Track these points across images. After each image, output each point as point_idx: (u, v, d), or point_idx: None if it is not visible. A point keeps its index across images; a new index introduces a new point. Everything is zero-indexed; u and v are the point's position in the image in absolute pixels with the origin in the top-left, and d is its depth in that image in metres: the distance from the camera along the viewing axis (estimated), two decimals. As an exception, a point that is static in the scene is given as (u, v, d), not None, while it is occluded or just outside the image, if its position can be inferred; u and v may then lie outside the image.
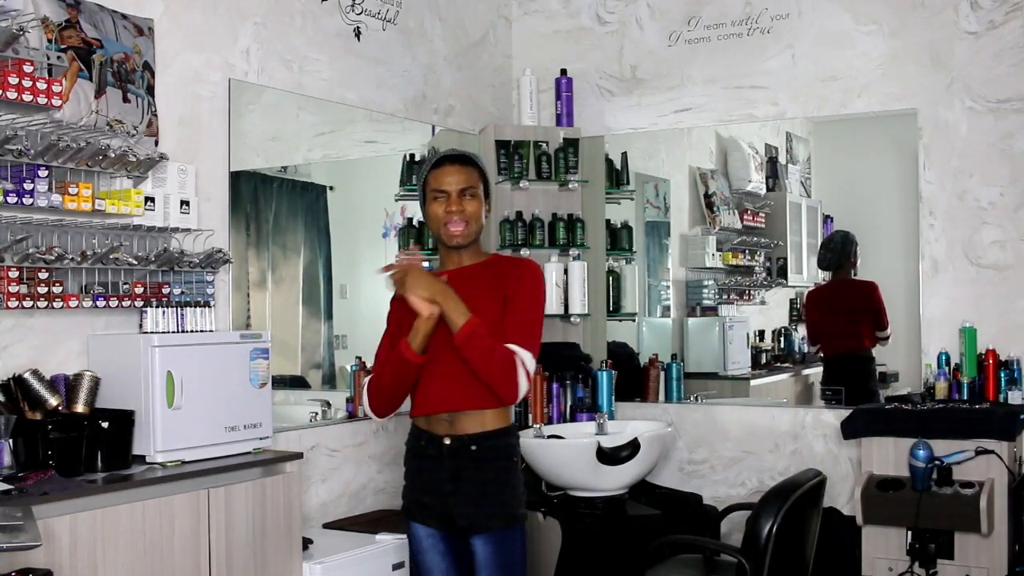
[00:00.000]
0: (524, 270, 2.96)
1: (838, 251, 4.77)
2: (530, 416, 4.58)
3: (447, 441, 2.86)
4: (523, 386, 2.81)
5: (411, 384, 2.89)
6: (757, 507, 3.20)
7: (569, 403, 4.69)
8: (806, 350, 5.11)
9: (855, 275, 4.77)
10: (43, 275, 2.94)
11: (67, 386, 2.98)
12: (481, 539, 2.84)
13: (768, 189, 5.27)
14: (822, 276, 5.00)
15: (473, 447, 2.85)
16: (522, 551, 2.90)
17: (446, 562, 2.91)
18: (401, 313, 2.97)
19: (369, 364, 4.30)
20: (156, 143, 3.30)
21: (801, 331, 5.16)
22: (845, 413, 4.16)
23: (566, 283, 4.79)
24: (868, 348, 4.69)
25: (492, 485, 2.85)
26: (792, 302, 5.21)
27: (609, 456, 4.07)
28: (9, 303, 2.86)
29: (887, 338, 4.63)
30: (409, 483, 2.99)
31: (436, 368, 2.87)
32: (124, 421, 2.98)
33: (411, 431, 3.00)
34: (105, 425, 2.93)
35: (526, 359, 2.80)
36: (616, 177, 5.06)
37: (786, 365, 5.14)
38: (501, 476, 2.87)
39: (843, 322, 4.87)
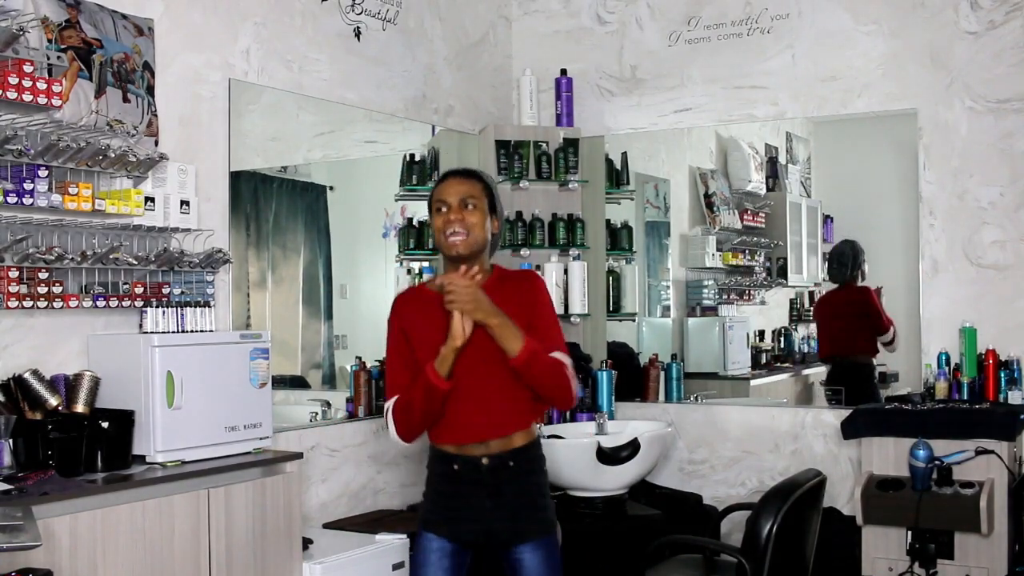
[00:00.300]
0: (535, 282, 2.99)
1: (849, 264, 4.75)
2: (530, 416, 4.57)
3: (485, 461, 2.85)
4: (577, 390, 2.90)
5: (440, 409, 2.86)
6: (757, 507, 3.20)
7: (569, 403, 4.68)
8: (806, 350, 5.12)
9: (860, 283, 4.76)
10: (43, 275, 2.94)
11: (67, 386, 2.98)
12: (528, 548, 2.86)
13: (768, 189, 5.27)
14: (822, 274, 5.01)
15: (511, 463, 2.87)
16: (559, 556, 2.94)
17: None
18: (419, 330, 2.91)
19: (369, 364, 4.33)
20: (156, 143, 3.30)
21: (801, 331, 5.17)
22: (845, 413, 4.16)
23: (566, 283, 4.79)
24: (868, 354, 4.68)
25: (531, 496, 2.89)
26: (792, 302, 5.21)
27: (609, 456, 4.07)
28: (9, 303, 2.86)
29: (891, 342, 4.60)
30: (438, 505, 2.92)
31: (466, 394, 2.84)
32: (124, 421, 2.98)
33: (437, 455, 2.93)
34: (105, 425, 2.94)
35: (569, 364, 2.87)
36: (616, 177, 5.06)
37: (786, 365, 5.14)
38: (538, 487, 2.92)
39: (842, 328, 4.88)
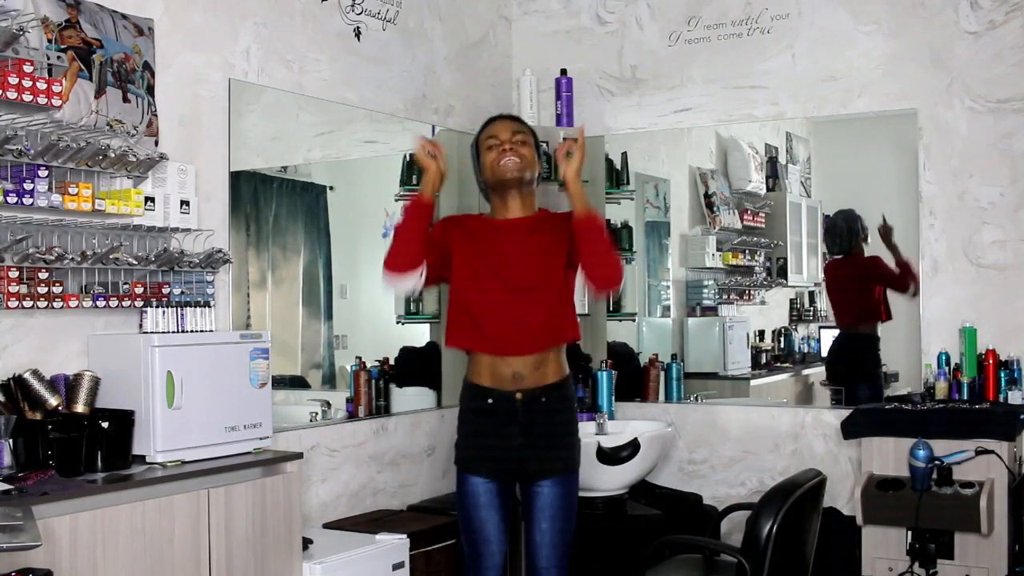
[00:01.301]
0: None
1: (844, 234, 4.72)
2: (530, 416, 4.57)
3: (519, 396, 3.03)
4: (623, 272, 3.20)
5: (422, 235, 3.10)
6: (757, 507, 3.19)
7: (569, 403, 4.68)
8: (806, 350, 5.12)
9: (865, 252, 4.71)
10: (43, 275, 2.94)
11: (67, 386, 2.98)
12: (548, 483, 3.04)
13: (768, 189, 5.27)
14: (822, 274, 5.02)
15: (543, 399, 3.04)
16: (577, 495, 3.13)
17: (499, 515, 3.08)
18: (460, 244, 3.17)
19: (369, 364, 4.33)
20: (156, 143, 3.30)
21: (801, 331, 5.17)
22: (845, 413, 4.16)
23: (566, 283, 4.79)
24: (872, 325, 4.67)
25: (560, 433, 3.08)
26: (792, 302, 5.21)
27: (609, 456, 4.07)
28: (9, 303, 2.86)
29: (916, 292, 4.41)
30: (471, 440, 3.11)
31: (504, 310, 3.07)
32: (124, 421, 2.98)
33: (471, 392, 3.13)
34: (105, 425, 2.93)
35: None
36: (616, 177, 5.06)
37: (786, 365, 5.14)
38: (568, 424, 3.11)
39: (842, 300, 4.85)
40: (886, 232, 4.53)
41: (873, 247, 4.64)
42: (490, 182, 3.21)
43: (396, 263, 3.11)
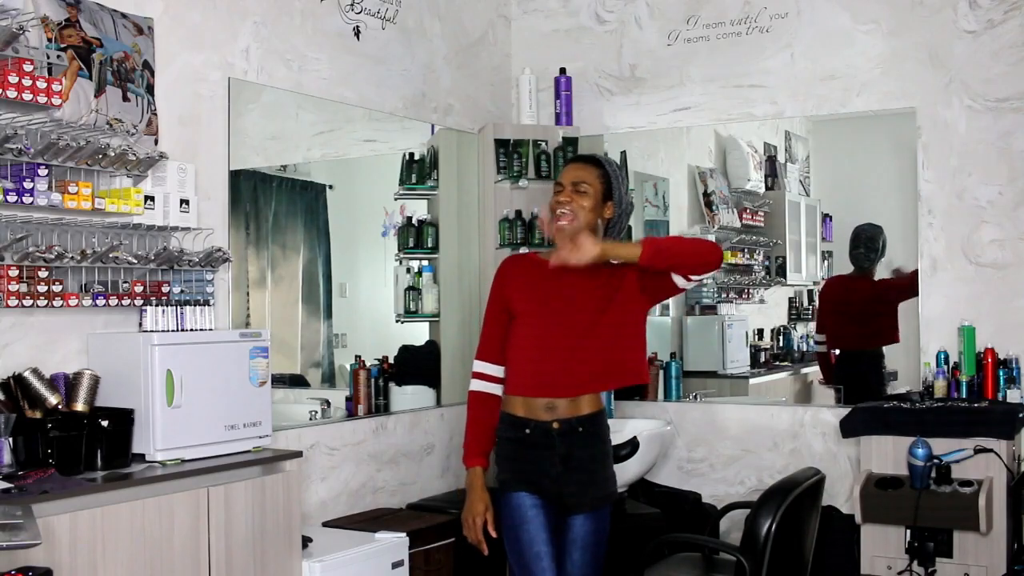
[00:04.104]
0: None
1: (879, 250, 4.61)
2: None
3: (556, 426, 2.98)
4: (713, 240, 3.18)
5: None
6: (756, 505, 3.20)
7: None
8: (805, 348, 5.12)
9: (876, 274, 4.67)
10: (43, 274, 2.94)
11: (67, 385, 2.98)
12: (581, 517, 3.00)
13: (767, 188, 5.27)
14: (821, 273, 5.02)
15: (580, 428, 3.01)
16: (609, 523, 3.08)
17: (547, 533, 2.99)
18: (520, 290, 3.09)
19: (368, 362, 4.34)
20: (156, 142, 3.30)
21: (800, 330, 5.17)
22: (844, 412, 4.16)
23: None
24: (879, 346, 4.65)
25: (596, 465, 3.03)
26: (791, 301, 5.22)
27: (608, 455, 4.06)
28: (9, 302, 2.86)
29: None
30: (512, 465, 3.04)
31: (548, 355, 3.00)
32: (124, 420, 2.99)
33: (507, 421, 3.06)
34: (105, 424, 2.94)
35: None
36: (615, 176, 5.05)
37: (785, 364, 5.14)
38: (604, 457, 3.07)
39: (857, 321, 4.83)
40: (900, 275, 4.55)
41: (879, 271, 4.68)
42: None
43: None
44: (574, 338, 2.98)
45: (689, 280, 2.99)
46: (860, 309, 4.82)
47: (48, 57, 2.92)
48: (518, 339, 3.05)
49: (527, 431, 3.00)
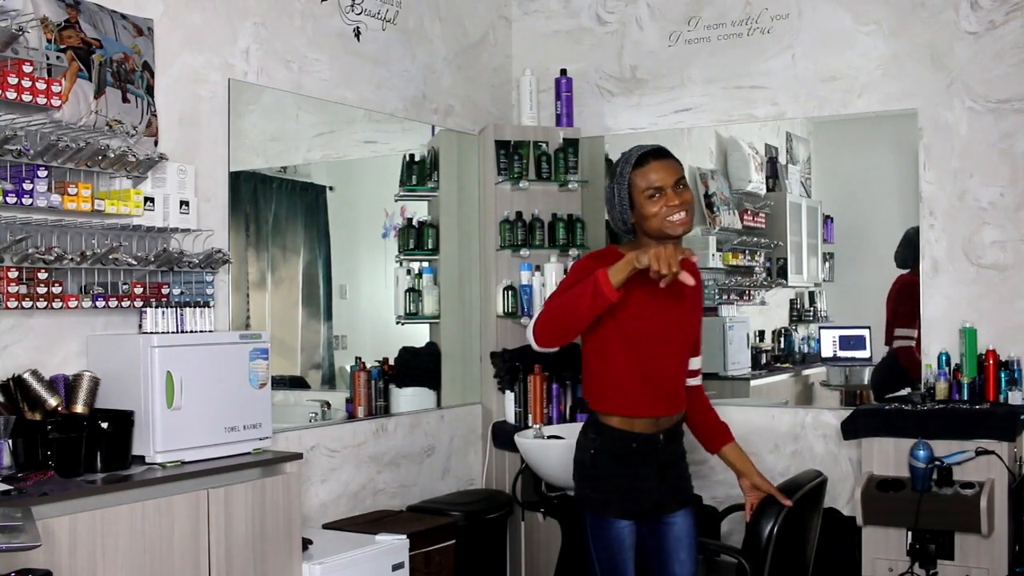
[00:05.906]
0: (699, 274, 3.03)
1: (910, 250, 4.50)
2: (530, 416, 4.57)
3: (662, 437, 2.98)
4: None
5: (590, 317, 2.73)
6: (758, 508, 3.20)
7: (569, 403, 4.68)
8: (806, 350, 5.11)
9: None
10: (43, 275, 2.93)
11: (67, 386, 2.98)
12: (681, 513, 3.02)
13: (768, 189, 5.26)
14: (823, 274, 5.02)
15: (677, 434, 3.08)
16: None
17: (634, 556, 2.99)
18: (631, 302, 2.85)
19: (368, 364, 4.33)
20: (155, 143, 3.30)
21: (801, 331, 5.16)
22: (845, 414, 4.16)
23: (566, 283, 4.78)
24: (893, 347, 4.60)
25: (683, 462, 3.12)
26: (792, 302, 5.21)
27: (609, 456, 4.05)
28: (9, 303, 2.86)
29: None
30: (616, 485, 2.92)
31: (667, 362, 2.96)
32: (123, 421, 2.98)
33: (609, 435, 2.93)
34: (104, 425, 2.93)
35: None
36: (616, 177, 5.04)
37: (786, 365, 5.13)
38: (684, 455, 3.15)
39: (887, 319, 4.79)
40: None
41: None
42: (653, 233, 2.85)
43: (552, 339, 2.81)
44: (681, 355, 3.00)
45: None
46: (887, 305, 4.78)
47: (48, 58, 2.92)
48: (620, 356, 2.89)
49: (634, 444, 2.92)
